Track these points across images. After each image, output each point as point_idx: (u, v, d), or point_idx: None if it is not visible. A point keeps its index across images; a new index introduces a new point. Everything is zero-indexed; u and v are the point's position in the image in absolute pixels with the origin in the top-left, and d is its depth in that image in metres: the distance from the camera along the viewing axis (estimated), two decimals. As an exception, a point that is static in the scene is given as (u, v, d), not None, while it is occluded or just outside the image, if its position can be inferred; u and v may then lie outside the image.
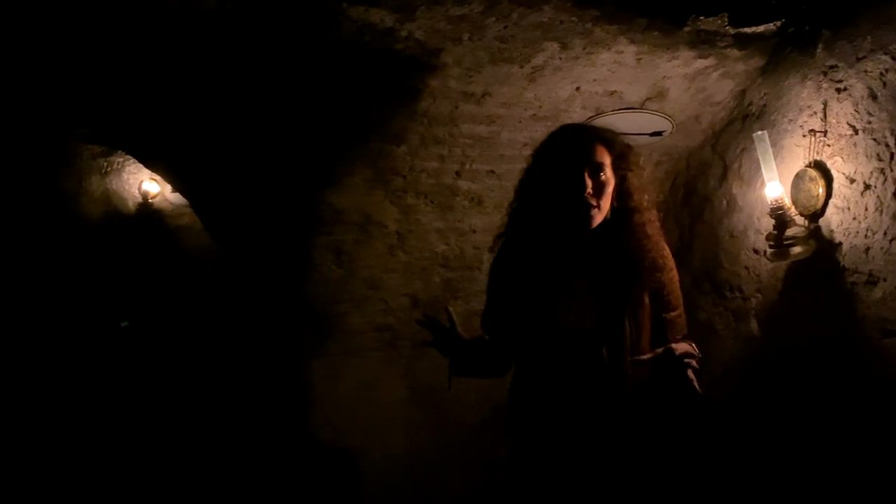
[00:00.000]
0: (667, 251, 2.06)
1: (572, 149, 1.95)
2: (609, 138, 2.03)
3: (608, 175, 1.95)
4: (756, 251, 3.06)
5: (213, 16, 2.36)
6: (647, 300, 1.98)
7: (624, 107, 3.13)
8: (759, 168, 2.76)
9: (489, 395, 3.29)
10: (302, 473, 4.06)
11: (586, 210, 1.91)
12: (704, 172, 3.48)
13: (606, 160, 1.96)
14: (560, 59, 2.78)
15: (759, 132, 2.73)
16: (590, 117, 3.14)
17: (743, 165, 3.18)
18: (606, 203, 1.95)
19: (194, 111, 3.01)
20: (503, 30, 2.56)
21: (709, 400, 3.26)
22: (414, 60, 2.71)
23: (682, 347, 1.92)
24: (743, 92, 3.16)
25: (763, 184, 2.74)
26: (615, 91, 3.07)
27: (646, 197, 2.05)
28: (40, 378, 4.91)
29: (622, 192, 2.00)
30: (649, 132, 3.28)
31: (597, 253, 1.98)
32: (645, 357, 1.91)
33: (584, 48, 2.73)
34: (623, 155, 2.02)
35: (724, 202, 3.30)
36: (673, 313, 2.04)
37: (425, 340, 1.95)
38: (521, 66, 2.81)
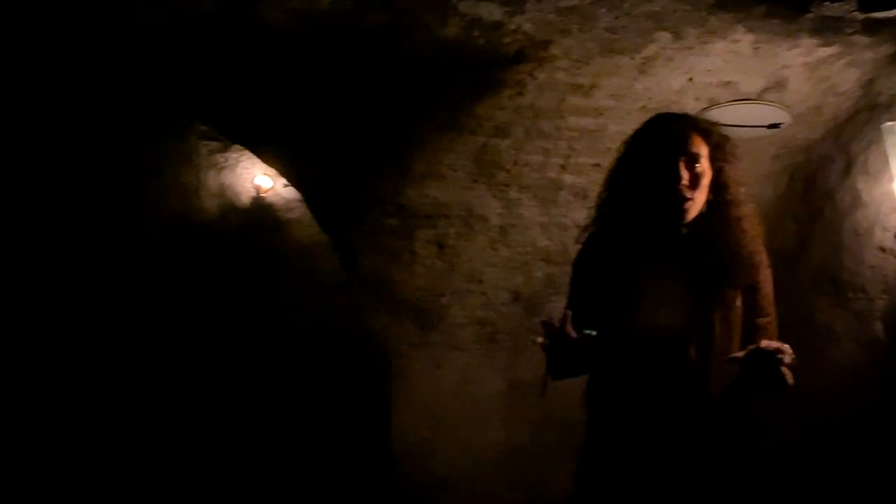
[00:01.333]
0: (763, 249, 1.95)
1: (667, 138, 1.87)
2: (706, 128, 1.93)
3: (704, 166, 1.86)
4: (883, 249, 2.88)
5: (328, 14, 2.44)
6: (739, 302, 1.88)
7: (739, 98, 3.01)
8: (887, 161, 2.60)
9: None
10: (403, 462, 4.14)
11: (681, 202, 1.83)
12: (826, 166, 3.30)
13: (703, 151, 1.87)
14: (672, 49, 2.71)
15: (889, 123, 2.57)
16: (703, 108, 3.04)
17: (869, 159, 3.00)
18: (702, 196, 1.86)
19: (310, 108, 3.12)
20: (614, 20, 2.52)
21: (825, 407, 3.12)
22: (521, 53, 2.71)
23: (773, 344, 1.79)
24: (871, 81, 2.97)
25: (892, 178, 2.58)
26: (730, 81, 2.96)
27: (743, 190, 1.94)
28: (160, 366, 5.20)
29: (718, 185, 1.90)
30: (766, 124, 3.14)
31: (689, 248, 1.89)
32: (737, 355, 1.80)
33: (697, 38, 2.65)
34: (720, 145, 1.92)
35: (848, 198, 3.12)
36: (764, 319, 1.91)
37: (542, 344, 1.88)
38: (632, 57, 2.75)
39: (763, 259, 1.93)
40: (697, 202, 1.86)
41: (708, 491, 1.86)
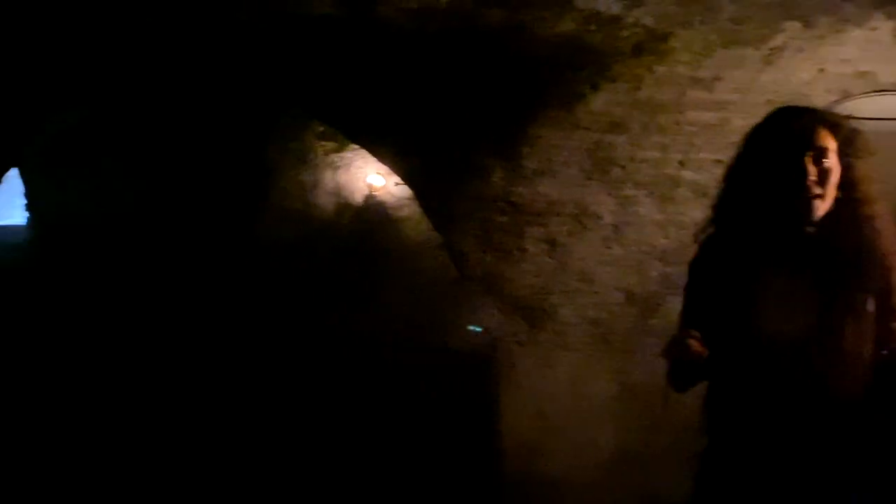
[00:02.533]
0: None
1: (793, 133, 1.76)
2: (834, 122, 1.81)
3: (833, 162, 1.74)
4: None
5: (446, 13, 2.48)
6: (871, 307, 1.76)
7: (877, 89, 2.83)
8: None
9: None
10: (511, 460, 4.14)
11: (808, 200, 1.72)
12: (975, 161, 3.04)
13: (831, 146, 1.75)
14: (802, 38, 2.58)
15: None
16: (835, 101, 2.87)
17: None
18: (831, 193, 1.75)
19: (424, 106, 3.18)
20: (738, 10, 2.42)
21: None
22: (639, 47, 2.66)
23: None
24: None
25: None
26: (867, 72, 2.79)
27: (875, 187, 1.81)
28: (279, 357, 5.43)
29: (847, 182, 1.77)
30: (907, 117, 2.94)
31: (815, 249, 1.77)
32: (884, 353, 1.68)
33: (830, 26, 2.51)
34: (849, 140, 1.80)
35: None
36: None
37: (675, 357, 1.79)
38: (757, 48, 2.64)
39: None
40: (825, 200, 1.75)
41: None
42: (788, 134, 1.78)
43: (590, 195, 3.42)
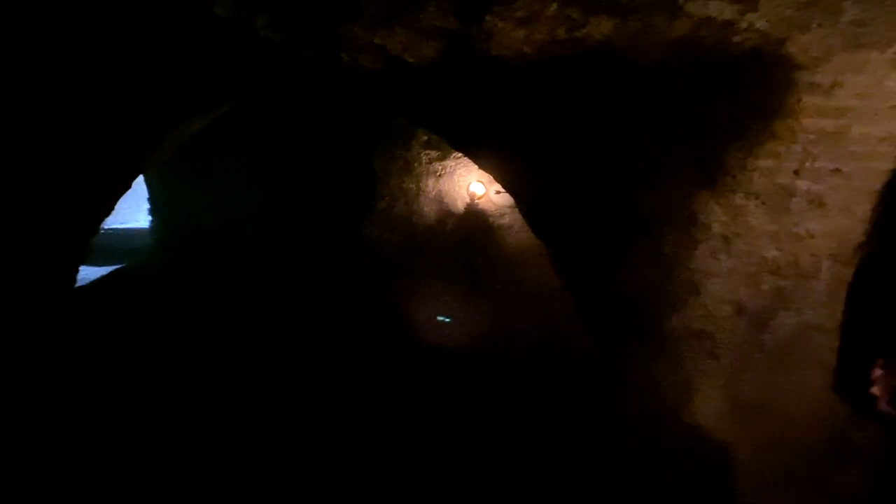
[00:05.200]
0: None
1: None
2: None
3: None
4: None
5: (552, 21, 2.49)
6: None
7: None
8: None
9: (828, 413, 2.99)
10: (615, 472, 4.08)
11: None
12: None
13: None
14: (932, 40, 2.43)
15: None
16: (970, 106, 2.69)
17: None
18: None
19: (530, 115, 3.20)
20: (862, 12, 2.32)
21: None
22: (753, 52, 2.58)
23: None
24: None
25: None
26: None
27: None
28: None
29: None
30: None
31: None
32: None
33: (964, 26, 2.35)
34: None
35: None
36: None
37: None
38: (882, 52, 2.52)
39: None
40: None
41: None
42: None
43: (698, 204, 3.32)
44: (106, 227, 4.08)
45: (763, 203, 3.25)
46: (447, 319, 5.80)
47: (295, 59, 3.44)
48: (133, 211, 10.91)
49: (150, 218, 8.60)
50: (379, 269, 5.69)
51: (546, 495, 4.73)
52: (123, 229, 11.10)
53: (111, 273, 8.27)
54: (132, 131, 3.50)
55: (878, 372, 1.59)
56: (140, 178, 6.66)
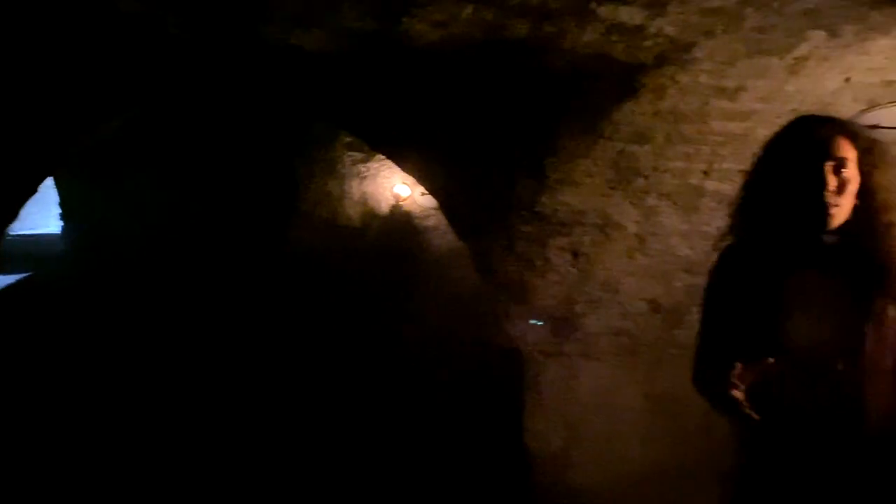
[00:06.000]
0: None
1: (812, 143, 1.78)
2: (854, 131, 1.83)
3: (852, 172, 1.77)
4: None
5: (469, 24, 2.51)
6: (893, 312, 1.75)
7: (904, 98, 2.81)
8: None
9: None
10: (537, 471, 4.13)
11: (826, 209, 1.74)
12: None
13: (850, 155, 1.77)
14: (827, 47, 2.56)
15: None
16: (862, 110, 2.85)
17: None
18: (848, 202, 1.77)
19: (449, 117, 3.21)
20: (762, 20, 2.41)
21: None
22: (662, 57, 2.66)
23: None
24: None
25: None
26: (893, 81, 2.76)
27: (893, 196, 1.82)
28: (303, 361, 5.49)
29: (866, 191, 1.80)
30: (936, 126, 2.90)
31: (835, 257, 1.79)
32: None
33: (856, 35, 2.48)
34: (869, 150, 1.82)
35: None
36: None
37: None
38: (781, 58, 2.63)
39: None
40: (843, 209, 1.77)
41: None
42: (808, 144, 1.79)
43: (613, 205, 3.42)
44: (13, 233, 3.89)
45: (675, 203, 3.37)
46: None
47: (208, 59, 3.37)
48: (43, 216, 10.45)
49: (61, 224, 8.29)
50: (303, 273, 5.62)
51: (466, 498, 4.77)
52: (32, 235, 10.61)
53: (19, 281, 7.93)
54: (36, 133, 3.35)
55: (737, 372, 1.67)
56: (50, 183, 6.40)
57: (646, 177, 3.28)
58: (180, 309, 5.66)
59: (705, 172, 3.24)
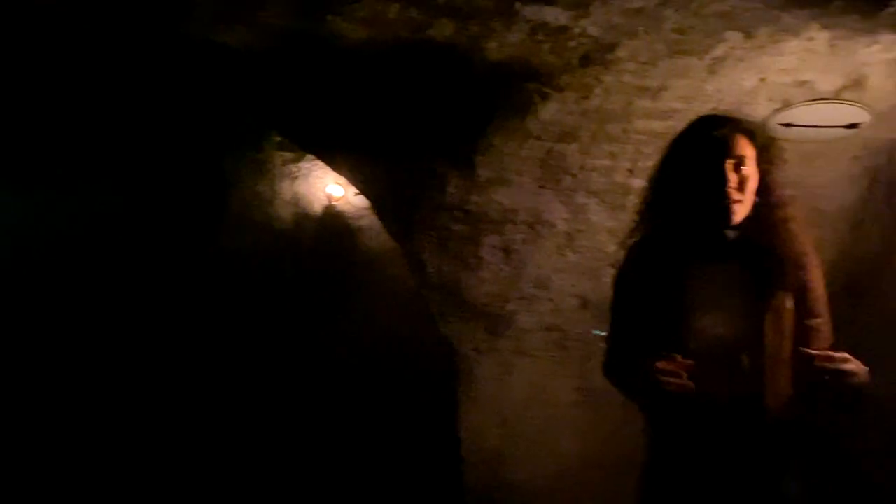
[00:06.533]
0: (811, 249, 1.91)
1: (713, 141, 1.86)
2: (752, 130, 1.92)
3: (751, 169, 1.85)
4: (974, 253, 2.73)
5: (396, 23, 2.50)
6: (790, 304, 1.84)
7: (816, 98, 2.92)
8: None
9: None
10: (473, 468, 4.15)
11: (727, 206, 1.82)
12: (909, 167, 3.16)
13: (749, 153, 1.86)
14: (743, 48, 2.65)
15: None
16: (777, 109, 2.96)
17: (956, 158, 2.86)
18: (749, 198, 1.86)
19: (379, 116, 3.20)
20: (681, 20, 2.48)
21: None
22: (587, 57, 2.70)
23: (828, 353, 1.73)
24: (956, 77, 2.83)
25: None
26: (806, 81, 2.87)
27: (789, 192, 1.92)
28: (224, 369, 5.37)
29: (765, 187, 1.89)
30: (844, 124, 3.03)
31: (737, 252, 1.87)
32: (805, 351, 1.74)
33: (770, 36, 2.58)
34: (767, 147, 1.91)
35: (934, 199, 2.98)
36: (817, 320, 1.87)
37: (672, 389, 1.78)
38: (701, 58, 2.71)
39: (812, 260, 1.91)
40: (744, 205, 1.86)
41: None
42: (709, 142, 1.87)
43: (543, 203, 3.46)
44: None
45: (602, 201, 3.44)
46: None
47: (130, 56, 3.27)
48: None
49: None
50: (232, 276, 5.49)
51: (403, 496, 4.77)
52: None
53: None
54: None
55: (662, 363, 1.73)
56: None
57: (574, 175, 3.33)
58: (96, 314, 5.46)
59: (630, 170, 3.31)
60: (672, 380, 1.72)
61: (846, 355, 1.70)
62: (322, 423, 5.35)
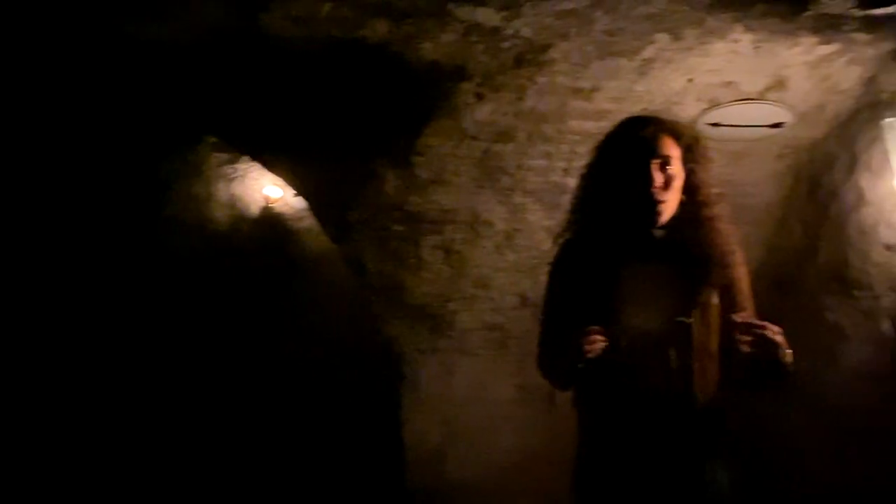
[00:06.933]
0: (736, 247, 1.96)
1: (639, 142, 1.89)
2: (677, 130, 1.95)
3: (676, 168, 1.89)
4: (888, 247, 2.87)
5: (329, 22, 2.48)
6: (716, 299, 1.90)
7: (741, 98, 3.02)
8: (888, 159, 2.60)
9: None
10: (416, 468, 4.15)
11: (654, 205, 1.86)
12: (830, 165, 3.29)
13: (675, 153, 1.89)
14: (671, 50, 2.72)
15: (889, 119, 2.57)
16: (704, 109, 3.05)
17: (873, 157, 2.99)
18: (675, 197, 1.89)
19: (315, 118, 3.17)
20: (611, 23, 2.54)
21: (835, 404, 3.11)
22: (520, 58, 2.73)
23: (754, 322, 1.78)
24: (872, 78, 2.96)
25: (894, 175, 2.57)
26: (731, 82, 2.96)
27: (714, 191, 1.96)
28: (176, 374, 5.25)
29: (690, 186, 1.93)
30: (769, 124, 3.14)
31: (664, 250, 1.91)
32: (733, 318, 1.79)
33: (696, 38, 2.66)
34: (691, 147, 1.94)
35: (853, 196, 3.11)
36: (742, 314, 1.92)
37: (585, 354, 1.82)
38: (631, 60, 2.77)
39: (737, 257, 1.96)
40: (671, 204, 1.89)
41: (701, 493, 1.87)
42: (634, 143, 1.90)
43: (481, 203, 3.48)
44: None
45: (539, 200, 3.48)
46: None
47: (59, 53, 3.16)
48: None
49: None
50: (168, 281, 5.36)
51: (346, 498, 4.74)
52: None
53: None
54: None
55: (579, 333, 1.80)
56: None
57: (511, 175, 3.36)
58: (26, 317, 5.26)
59: (565, 170, 3.35)
60: (590, 346, 1.77)
61: (772, 325, 1.74)
62: (264, 426, 5.26)
